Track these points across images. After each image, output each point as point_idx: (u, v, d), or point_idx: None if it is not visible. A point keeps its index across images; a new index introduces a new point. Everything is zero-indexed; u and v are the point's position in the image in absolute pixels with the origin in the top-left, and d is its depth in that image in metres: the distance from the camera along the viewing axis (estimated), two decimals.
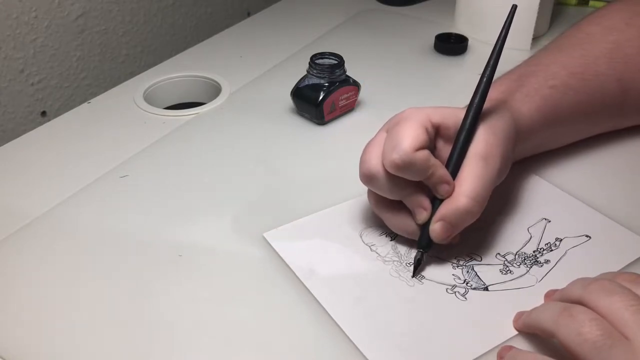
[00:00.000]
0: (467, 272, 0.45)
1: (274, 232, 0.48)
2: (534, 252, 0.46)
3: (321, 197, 0.51)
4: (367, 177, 0.44)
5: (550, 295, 0.42)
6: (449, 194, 0.43)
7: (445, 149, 0.45)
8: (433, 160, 0.42)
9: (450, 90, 0.69)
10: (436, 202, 0.44)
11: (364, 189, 0.47)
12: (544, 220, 0.49)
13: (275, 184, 0.54)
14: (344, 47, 0.69)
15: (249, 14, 1.02)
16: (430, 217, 0.43)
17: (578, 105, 0.52)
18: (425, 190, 0.44)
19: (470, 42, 0.76)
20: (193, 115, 0.64)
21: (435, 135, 0.44)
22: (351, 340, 0.39)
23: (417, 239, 0.45)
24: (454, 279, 0.44)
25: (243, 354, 0.39)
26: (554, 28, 0.80)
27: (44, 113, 0.78)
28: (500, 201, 0.50)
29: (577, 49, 0.54)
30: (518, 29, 0.74)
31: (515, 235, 0.48)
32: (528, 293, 0.43)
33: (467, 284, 0.44)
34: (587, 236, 0.47)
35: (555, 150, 0.56)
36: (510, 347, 0.38)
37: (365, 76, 0.65)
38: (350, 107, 0.64)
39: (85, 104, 0.66)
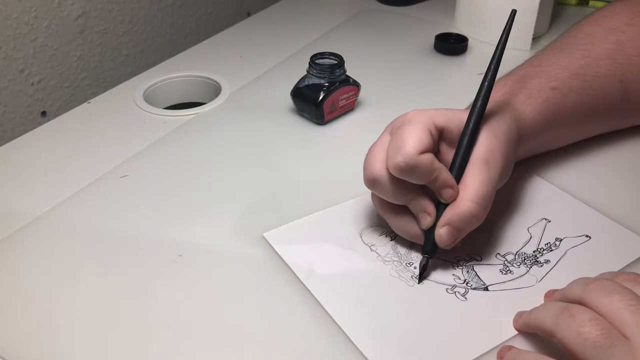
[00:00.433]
0: (467, 272, 0.45)
1: (274, 232, 0.48)
2: (534, 252, 0.46)
3: (321, 197, 0.51)
4: (371, 182, 0.43)
5: (550, 295, 0.42)
6: (453, 199, 0.43)
7: (448, 153, 0.45)
8: (437, 163, 0.42)
9: (450, 90, 0.69)
10: (440, 206, 0.43)
11: (363, 188, 0.47)
12: (544, 220, 0.49)
13: (275, 184, 0.54)
14: (344, 47, 0.69)
15: (249, 14, 1.02)
16: (435, 222, 0.43)
17: (580, 106, 0.52)
18: (429, 195, 0.43)
19: (470, 42, 0.76)
20: (193, 115, 0.64)
21: (438, 138, 0.44)
22: (351, 340, 0.39)
23: (422, 242, 0.45)
24: (454, 279, 0.44)
25: (243, 354, 0.39)
26: (554, 28, 0.80)
27: (44, 113, 0.78)
28: (500, 201, 0.50)
29: (578, 49, 0.54)
30: (518, 29, 0.74)
31: (515, 235, 0.48)
32: (528, 293, 0.43)
33: (467, 284, 0.44)
34: (587, 236, 0.47)
35: (555, 150, 0.56)
36: (510, 347, 0.38)
37: (365, 76, 0.65)
38: (350, 107, 0.64)
39: (85, 104, 0.66)
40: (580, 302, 0.36)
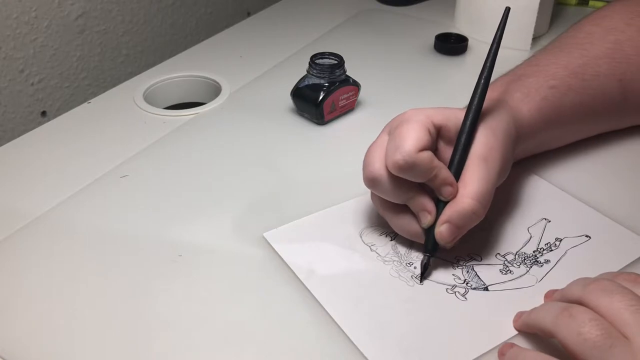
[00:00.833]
0: (467, 272, 0.45)
1: (274, 232, 0.48)
2: (534, 252, 0.46)
3: (321, 197, 0.51)
4: (371, 181, 0.43)
5: (550, 296, 0.42)
6: (453, 196, 0.43)
7: (446, 151, 0.45)
8: (436, 161, 0.42)
9: (450, 90, 0.69)
10: (440, 205, 0.43)
11: (363, 188, 0.47)
12: (544, 220, 0.49)
13: (275, 184, 0.54)
14: (344, 47, 0.69)
15: (249, 14, 1.02)
16: (435, 220, 0.43)
17: (578, 105, 0.52)
18: (429, 193, 0.43)
19: (470, 42, 0.76)
20: (193, 115, 0.64)
21: (436, 136, 0.44)
22: (351, 340, 0.39)
23: (422, 241, 0.45)
24: (454, 279, 0.44)
25: (243, 354, 0.39)
26: (554, 28, 0.80)
27: (44, 113, 0.78)
28: (500, 201, 0.50)
29: (577, 49, 0.54)
30: (518, 29, 0.74)
31: (515, 235, 0.48)
32: (528, 293, 0.43)
33: (467, 284, 0.44)
34: (587, 236, 0.47)
35: (555, 150, 0.56)
36: (512, 345, 0.38)
37: (365, 76, 0.65)
38: (350, 107, 0.64)
39: (85, 104, 0.66)
40: (580, 303, 0.36)
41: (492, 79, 0.46)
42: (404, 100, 0.57)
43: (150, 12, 0.87)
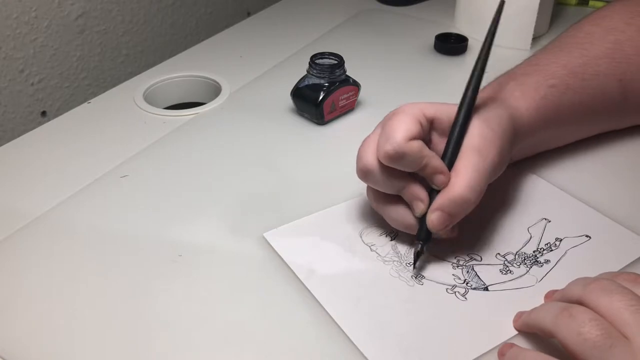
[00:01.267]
0: (467, 272, 0.45)
1: (274, 232, 0.48)
2: (534, 252, 0.46)
3: (321, 197, 0.51)
4: (364, 173, 0.44)
5: (550, 296, 0.42)
6: (445, 184, 0.43)
7: (440, 142, 0.45)
8: (427, 150, 0.42)
9: (450, 90, 0.69)
10: (433, 194, 0.44)
11: (364, 188, 0.47)
12: (544, 220, 0.49)
13: (276, 184, 0.54)
14: (344, 47, 0.69)
15: (249, 14, 1.02)
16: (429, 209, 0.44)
17: (578, 105, 0.52)
18: (421, 183, 0.44)
19: (470, 42, 0.76)
20: (193, 115, 0.64)
21: (430, 128, 0.45)
22: (351, 340, 0.39)
23: (415, 233, 0.45)
24: (454, 279, 0.44)
25: (243, 353, 0.39)
26: (554, 28, 0.80)
27: (44, 113, 0.78)
28: (500, 201, 0.50)
29: (577, 48, 0.54)
30: (518, 29, 0.74)
31: (515, 235, 0.48)
32: (528, 293, 0.43)
33: (467, 284, 0.44)
34: (587, 236, 0.47)
35: (555, 150, 0.56)
36: (512, 345, 0.38)
37: (365, 76, 0.65)
38: (350, 107, 0.64)
39: (85, 104, 0.66)
40: (580, 302, 0.36)
41: (491, 79, 0.46)
42: (404, 100, 0.56)
43: (150, 12, 0.87)
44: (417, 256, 0.44)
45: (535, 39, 0.75)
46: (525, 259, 0.45)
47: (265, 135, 0.61)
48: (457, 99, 0.46)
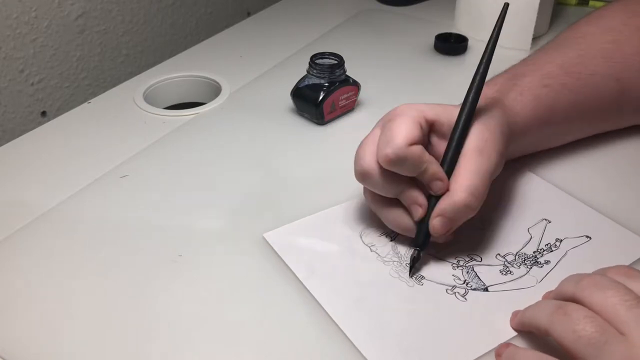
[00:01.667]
0: (467, 272, 0.45)
1: (274, 233, 0.48)
2: (534, 252, 0.46)
3: (321, 197, 0.51)
4: (362, 175, 0.44)
5: (547, 297, 0.41)
6: (443, 191, 0.43)
7: (440, 145, 0.45)
8: (427, 156, 0.42)
9: (450, 90, 0.69)
10: (432, 199, 0.44)
11: (363, 188, 0.47)
12: (544, 220, 0.49)
13: (276, 184, 0.54)
14: (344, 47, 0.69)
15: (249, 14, 1.02)
16: (427, 214, 0.44)
17: (574, 104, 0.52)
18: (420, 187, 0.44)
19: (470, 42, 0.76)
20: (193, 115, 0.64)
21: (429, 131, 0.45)
22: (351, 341, 0.39)
23: (412, 235, 0.45)
24: (453, 279, 0.44)
25: (243, 354, 0.39)
26: (554, 28, 0.80)
27: (44, 113, 0.78)
28: (500, 201, 0.50)
29: (574, 48, 0.54)
30: (518, 29, 0.74)
31: (516, 235, 0.48)
32: (528, 294, 0.43)
33: (467, 284, 0.44)
34: (587, 237, 0.47)
35: (555, 150, 0.56)
36: (508, 345, 0.38)
37: (365, 76, 0.65)
38: (350, 107, 0.64)
39: (85, 104, 0.66)
40: (573, 299, 0.36)
41: (488, 78, 0.46)
42: (404, 100, 0.57)
43: (150, 12, 0.87)
44: (413, 262, 0.44)
45: (535, 39, 0.75)
46: (525, 260, 0.45)
47: (265, 136, 0.61)
48: (457, 99, 0.46)
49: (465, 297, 0.43)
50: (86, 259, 0.46)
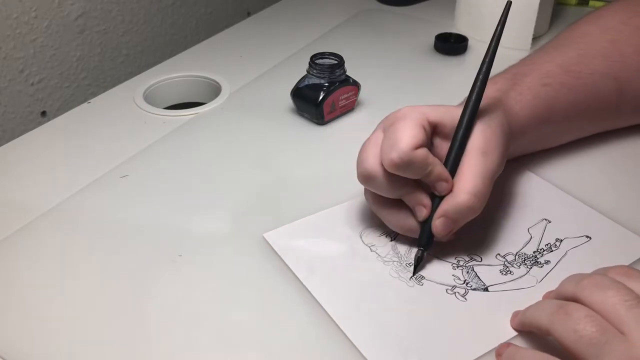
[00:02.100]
0: (467, 272, 0.44)
1: (274, 233, 0.48)
2: (534, 252, 0.46)
3: (321, 197, 0.51)
4: (365, 177, 0.44)
5: (548, 297, 0.41)
6: (447, 192, 0.43)
7: (442, 146, 0.45)
8: (431, 158, 0.42)
9: (450, 90, 0.69)
10: (435, 199, 0.44)
11: (363, 189, 0.47)
12: (544, 220, 0.49)
13: (275, 184, 0.54)
14: (344, 47, 0.69)
15: (249, 14, 1.02)
16: (430, 214, 0.44)
17: (573, 103, 0.52)
18: (423, 188, 0.44)
19: (470, 42, 0.76)
20: (193, 115, 0.64)
21: (432, 132, 0.45)
22: (351, 341, 0.39)
23: (416, 236, 0.45)
24: (454, 279, 0.44)
25: (243, 354, 0.39)
26: (554, 28, 0.80)
27: (44, 113, 0.78)
28: (500, 201, 0.50)
29: (573, 48, 0.54)
30: (518, 29, 0.74)
31: (516, 235, 0.48)
32: (528, 294, 0.43)
33: (467, 284, 0.44)
34: (587, 237, 0.47)
35: (555, 150, 0.56)
36: (509, 345, 0.38)
37: (365, 76, 0.65)
38: (350, 107, 0.64)
39: (85, 104, 0.66)
40: (574, 299, 0.36)
41: (489, 77, 0.46)
42: (404, 100, 0.57)
43: (150, 12, 0.87)
44: (417, 262, 0.44)
45: (535, 39, 0.75)
46: (525, 260, 0.45)
47: (265, 136, 0.61)
48: (457, 99, 0.46)
49: (465, 297, 0.43)
50: (86, 259, 0.46)
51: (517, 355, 0.36)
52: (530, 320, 0.38)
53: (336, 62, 0.61)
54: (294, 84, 0.62)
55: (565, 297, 0.37)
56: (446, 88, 0.69)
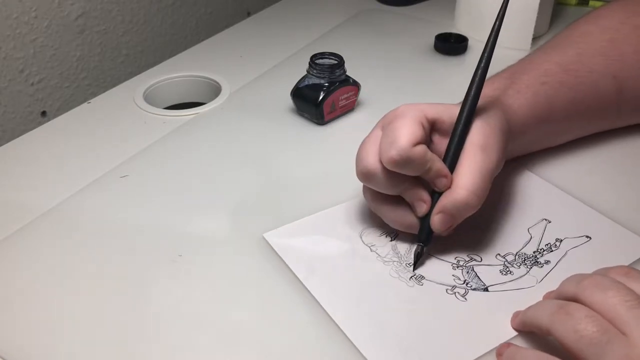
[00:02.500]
0: (467, 272, 0.44)
1: (274, 233, 0.48)
2: (534, 252, 0.46)
3: (321, 197, 0.51)
4: (365, 175, 0.44)
5: (548, 297, 0.42)
6: (447, 187, 0.43)
7: (441, 143, 0.45)
8: (430, 154, 0.42)
9: (450, 90, 0.69)
10: (435, 194, 0.44)
11: (362, 188, 0.47)
12: (544, 220, 0.49)
13: (275, 184, 0.54)
14: (344, 47, 0.69)
15: (249, 14, 1.02)
16: (430, 210, 0.44)
17: (571, 101, 0.52)
18: (422, 183, 0.44)
19: (470, 42, 0.76)
20: (193, 115, 0.64)
21: (430, 129, 0.45)
22: (351, 341, 0.39)
23: (415, 232, 0.45)
24: (454, 279, 0.44)
25: (243, 354, 0.39)
26: (554, 28, 0.80)
27: (44, 113, 0.78)
28: (500, 201, 0.50)
29: (572, 47, 0.54)
30: (518, 29, 0.74)
31: (516, 235, 0.48)
32: (528, 294, 0.43)
33: (467, 284, 0.44)
34: (587, 237, 0.47)
35: (555, 150, 0.56)
36: (509, 344, 0.38)
37: (365, 76, 0.65)
38: (350, 107, 0.64)
39: (85, 104, 0.66)
40: (574, 299, 0.36)
41: (488, 77, 0.46)
42: (404, 100, 0.57)
43: (150, 12, 0.87)
44: (417, 257, 0.44)
45: (535, 39, 0.75)
46: (525, 260, 0.45)
47: (265, 135, 0.61)
48: (457, 99, 0.46)
49: (465, 297, 0.43)
50: (86, 259, 0.46)
51: (518, 355, 0.36)
52: (531, 320, 0.38)
53: (336, 62, 0.61)
54: (294, 84, 0.62)
55: (565, 297, 0.37)
56: (446, 88, 0.69)
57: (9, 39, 0.71)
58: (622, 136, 0.58)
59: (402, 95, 0.67)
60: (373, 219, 0.49)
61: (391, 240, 0.47)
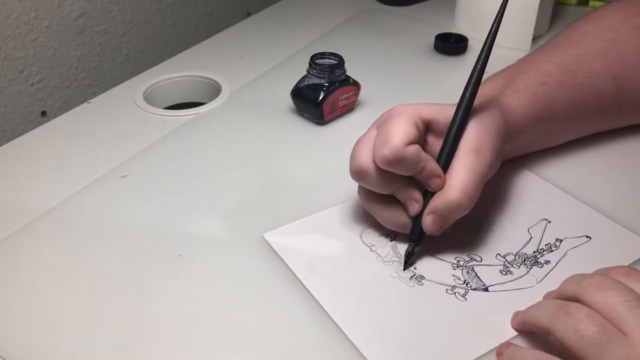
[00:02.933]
0: (467, 272, 0.44)
1: (274, 233, 0.48)
2: (534, 252, 0.46)
3: (321, 197, 0.51)
4: (358, 173, 0.44)
5: (548, 297, 0.42)
6: (440, 187, 0.43)
7: (436, 144, 0.45)
8: (423, 154, 0.42)
9: (450, 90, 0.69)
10: (428, 194, 0.44)
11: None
12: (544, 220, 0.49)
13: (275, 184, 0.54)
14: (344, 47, 0.69)
15: (249, 14, 1.02)
16: (422, 210, 0.44)
17: (571, 101, 0.52)
18: (416, 183, 0.44)
19: (470, 42, 0.76)
20: (193, 115, 0.64)
21: (425, 130, 0.45)
22: (351, 341, 0.39)
23: (407, 232, 0.45)
24: (453, 279, 0.44)
25: (243, 354, 0.39)
26: (554, 28, 0.80)
27: (44, 113, 0.78)
28: (500, 202, 0.50)
29: (571, 47, 0.54)
30: (518, 29, 0.74)
31: (516, 235, 0.48)
32: (528, 294, 0.43)
33: (467, 284, 0.44)
34: (587, 237, 0.47)
35: (555, 150, 0.56)
36: (509, 344, 0.38)
37: (365, 76, 0.65)
38: (350, 107, 0.64)
39: (85, 104, 0.66)
40: (575, 299, 0.36)
41: (485, 77, 0.46)
42: (404, 100, 0.57)
43: (150, 12, 0.87)
44: (407, 257, 0.44)
45: (535, 39, 0.75)
46: (525, 260, 0.45)
47: (265, 135, 0.61)
48: (457, 99, 0.46)
49: (465, 297, 0.43)
50: (86, 259, 0.46)
51: (518, 355, 0.36)
52: (531, 320, 0.38)
53: (336, 62, 0.61)
54: (294, 84, 0.62)
55: (566, 297, 0.37)
56: (446, 88, 0.69)
57: (9, 39, 0.71)
58: (622, 136, 0.58)
59: (402, 95, 0.67)
60: (373, 219, 0.48)
61: (391, 241, 0.47)
